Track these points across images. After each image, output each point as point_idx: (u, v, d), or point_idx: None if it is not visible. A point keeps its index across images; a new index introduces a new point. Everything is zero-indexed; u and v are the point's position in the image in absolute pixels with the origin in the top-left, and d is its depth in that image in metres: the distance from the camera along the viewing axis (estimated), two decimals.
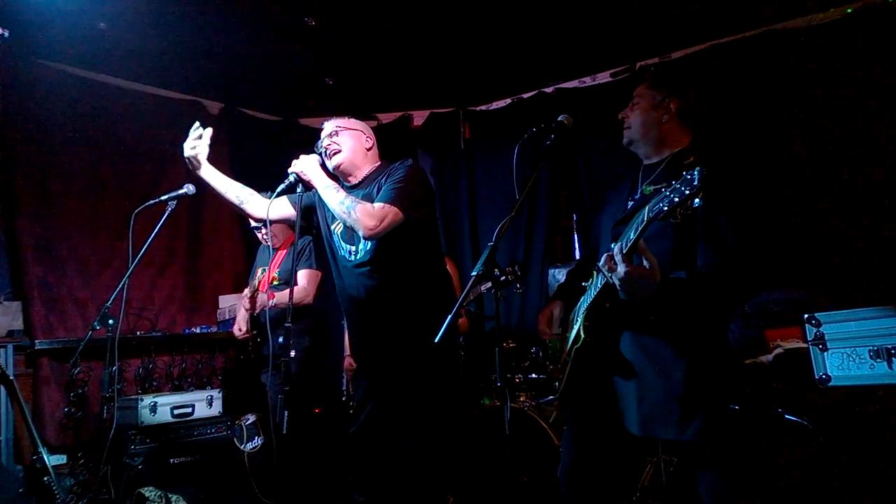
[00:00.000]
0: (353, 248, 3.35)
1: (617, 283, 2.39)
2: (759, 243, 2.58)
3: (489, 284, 4.43)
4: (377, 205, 3.12)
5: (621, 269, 2.35)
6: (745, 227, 2.53)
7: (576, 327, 2.72)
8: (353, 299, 3.39)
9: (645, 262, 2.34)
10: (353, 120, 3.53)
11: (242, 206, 3.47)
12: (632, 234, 2.34)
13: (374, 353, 3.37)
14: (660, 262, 2.37)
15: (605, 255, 2.42)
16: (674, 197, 2.17)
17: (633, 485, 3.94)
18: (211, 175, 3.43)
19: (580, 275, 2.93)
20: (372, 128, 3.61)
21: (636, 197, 2.78)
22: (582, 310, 2.71)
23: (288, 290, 4.38)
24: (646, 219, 2.27)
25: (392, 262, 3.24)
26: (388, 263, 3.24)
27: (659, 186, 2.61)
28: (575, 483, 2.82)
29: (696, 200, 2.12)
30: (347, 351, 4.95)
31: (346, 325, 3.53)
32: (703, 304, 2.51)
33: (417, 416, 3.34)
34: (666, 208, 2.19)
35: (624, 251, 2.36)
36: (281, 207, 3.50)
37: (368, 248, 3.26)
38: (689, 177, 2.14)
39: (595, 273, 2.65)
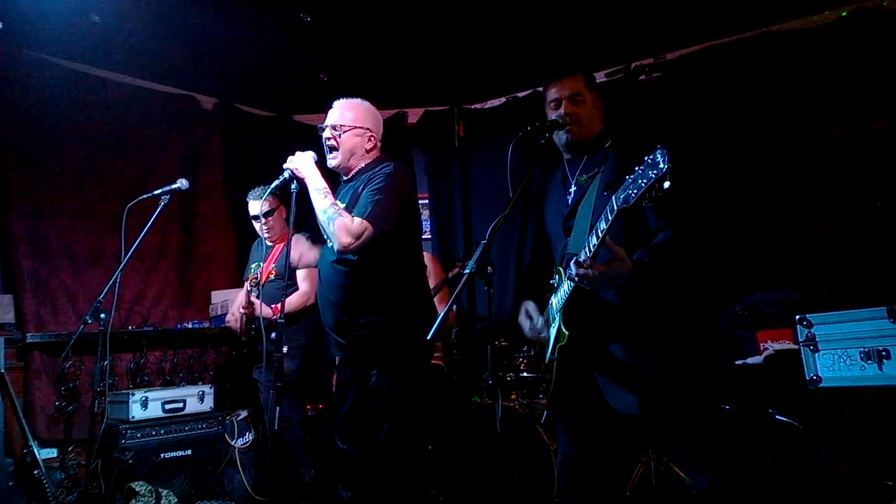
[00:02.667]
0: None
1: (592, 286, 2.50)
2: (696, 217, 2.74)
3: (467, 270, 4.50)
4: (356, 220, 3.16)
5: (593, 273, 2.43)
6: (684, 204, 2.67)
7: (555, 325, 2.74)
8: (327, 290, 3.42)
9: (615, 257, 2.43)
10: (363, 111, 3.50)
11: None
12: (598, 234, 2.41)
13: (349, 348, 3.38)
14: (612, 235, 2.44)
15: (573, 262, 2.50)
16: (641, 183, 2.17)
17: (622, 484, 3.96)
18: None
19: (536, 273, 3.10)
20: None
21: (572, 189, 2.92)
22: (558, 307, 2.75)
23: (293, 296, 4.43)
24: (616, 209, 2.30)
25: (369, 260, 3.26)
26: (364, 260, 3.27)
27: (592, 174, 2.78)
28: (574, 475, 2.88)
29: (666, 183, 2.11)
30: None
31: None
32: (668, 273, 2.63)
33: (388, 410, 3.35)
34: (634, 196, 2.20)
35: (590, 255, 2.44)
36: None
37: None
38: (652, 160, 2.14)
39: (563, 271, 2.72)
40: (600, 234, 2.40)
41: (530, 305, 2.96)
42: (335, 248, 3.18)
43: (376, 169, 3.36)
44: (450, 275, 5.35)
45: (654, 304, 2.69)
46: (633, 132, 2.88)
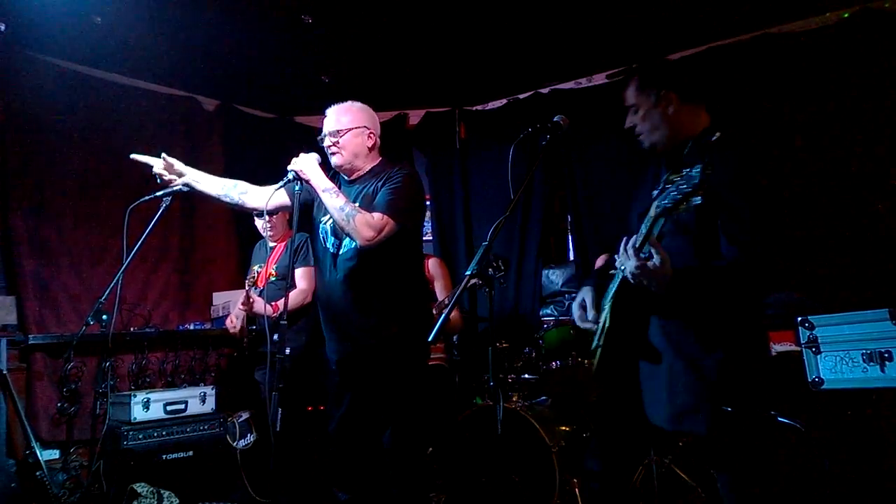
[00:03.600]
0: (338, 243, 3.37)
1: (629, 276, 2.44)
2: (779, 237, 2.60)
3: (476, 281, 4.49)
4: (376, 215, 3.15)
5: (631, 263, 2.39)
6: (765, 220, 2.51)
7: (604, 314, 2.72)
8: (330, 293, 3.41)
9: (655, 258, 2.35)
10: (358, 112, 3.50)
11: (243, 202, 3.51)
12: (643, 229, 2.38)
13: (348, 350, 3.38)
14: (680, 252, 2.43)
15: (621, 248, 2.45)
16: (676, 194, 2.20)
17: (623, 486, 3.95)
18: (202, 182, 3.54)
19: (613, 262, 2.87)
20: None
21: (659, 187, 2.68)
22: (609, 296, 2.71)
23: (292, 294, 4.42)
24: (653, 215, 2.32)
25: (373, 261, 3.26)
26: (370, 261, 3.26)
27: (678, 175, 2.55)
28: (603, 467, 2.88)
29: (697, 198, 2.14)
30: None
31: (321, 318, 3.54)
32: (718, 296, 2.52)
33: (391, 413, 3.36)
34: (669, 205, 2.23)
35: (636, 246, 2.39)
36: (278, 197, 3.46)
37: (353, 245, 3.28)
38: (690, 173, 2.17)
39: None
40: (642, 233, 2.38)
41: (588, 295, 2.89)
42: (358, 243, 3.17)
43: (394, 169, 3.38)
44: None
45: (710, 319, 2.56)
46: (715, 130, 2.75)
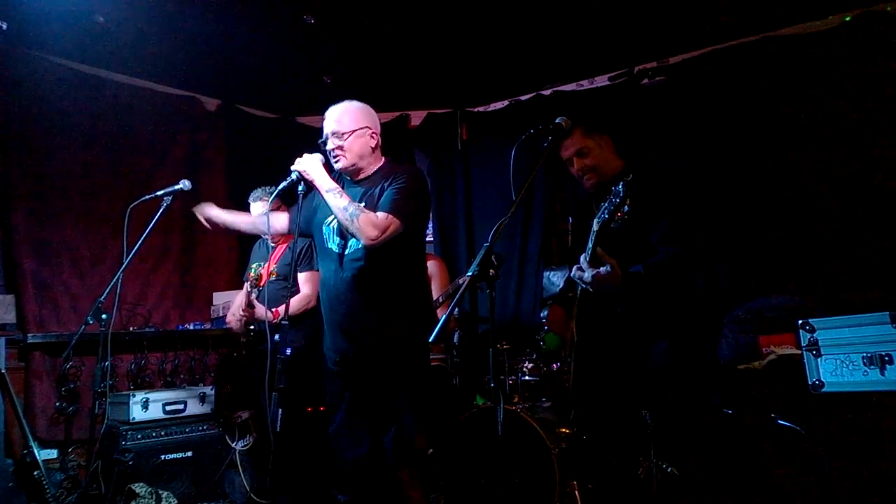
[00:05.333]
0: (343, 243, 3.37)
1: (588, 286, 3.09)
2: (696, 240, 3.47)
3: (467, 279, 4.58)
4: (380, 214, 3.15)
5: (587, 275, 3.07)
6: (684, 228, 3.22)
7: (572, 330, 2.94)
8: (333, 293, 3.41)
9: (605, 266, 3.02)
10: (359, 112, 3.48)
11: (259, 230, 3.76)
12: (590, 243, 3.04)
13: (351, 350, 3.37)
14: (622, 261, 3.07)
15: (575, 266, 3.16)
16: (610, 207, 2.91)
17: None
18: (222, 218, 3.72)
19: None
20: None
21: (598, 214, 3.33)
22: (573, 315, 3.21)
23: (295, 298, 4.41)
24: (595, 230, 2.98)
25: (378, 261, 3.26)
26: (376, 262, 3.26)
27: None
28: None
29: (625, 206, 2.97)
30: None
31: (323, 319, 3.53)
32: (659, 285, 3.14)
33: (392, 414, 3.35)
34: (607, 217, 2.93)
35: (587, 259, 3.08)
36: (279, 220, 3.67)
37: (357, 245, 3.27)
38: (617, 189, 2.88)
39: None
40: (589, 247, 3.04)
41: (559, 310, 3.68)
42: (362, 242, 3.17)
43: (399, 170, 3.39)
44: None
45: (650, 309, 3.19)
46: (656, 161, 3.50)
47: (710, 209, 4.99)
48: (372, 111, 3.56)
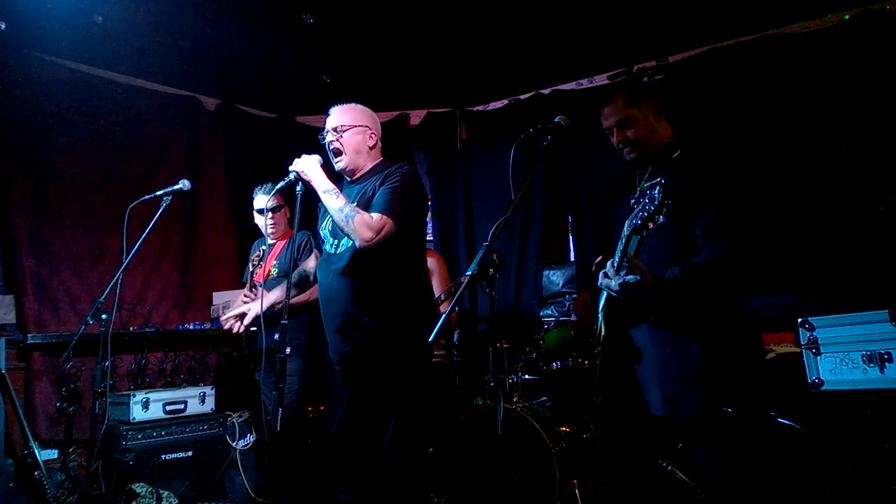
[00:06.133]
0: (336, 243, 3.39)
1: (614, 294, 2.68)
2: (752, 234, 2.87)
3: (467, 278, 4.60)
4: (374, 215, 3.17)
5: (614, 283, 2.65)
6: (736, 219, 2.70)
7: (599, 321, 2.85)
8: (328, 294, 3.43)
9: (632, 275, 2.61)
10: (359, 111, 3.54)
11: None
12: (619, 247, 2.61)
13: (348, 350, 3.37)
14: (661, 253, 2.72)
15: (601, 272, 2.75)
16: (643, 213, 2.44)
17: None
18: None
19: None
20: None
21: (635, 196, 2.97)
22: (601, 306, 2.92)
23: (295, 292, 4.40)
24: (626, 234, 2.55)
25: (372, 261, 3.26)
26: (368, 261, 3.27)
27: (655, 182, 2.74)
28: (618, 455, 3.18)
29: (660, 217, 2.42)
30: None
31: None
32: (698, 295, 2.70)
33: (392, 413, 3.36)
34: (639, 223, 2.46)
35: (615, 265, 2.66)
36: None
37: (350, 244, 3.28)
38: (653, 194, 2.41)
39: None
40: (618, 252, 2.62)
41: (587, 297, 3.27)
42: (357, 243, 3.18)
43: (392, 168, 3.40)
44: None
45: (694, 316, 2.76)
46: (705, 139, 3.02)
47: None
48: (373, 114, 3.62)
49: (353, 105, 3.57)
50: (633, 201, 2.89)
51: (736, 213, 2.71)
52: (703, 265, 2.65)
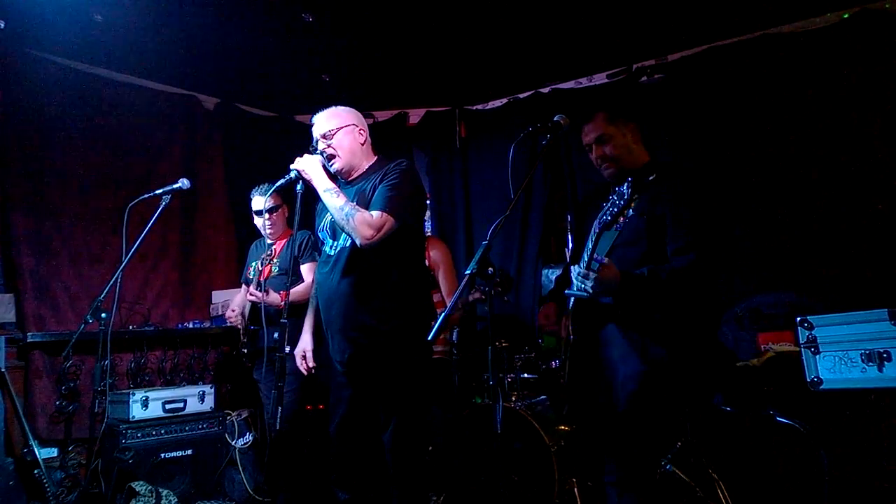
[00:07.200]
0: (335, 243, 3.38)
1: (585, 292, 2.81)
2: (716, 254, 3.06)
3: (476, 295, 4.60)
4: (374, 213, 3.16)
5: (588, 283, 2.78)
6: (704, 240, 2.92)
7: (570, 326, 2.89)
8: (327, 295, 3.42)
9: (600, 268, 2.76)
10: (342, 112, 3.53)
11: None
12: (588, 245, 2.78)
13: (349, 351, 3.37)
14: (632, 262, 2.90)
15: (574, 274, 2.87)
16: (613, 210, 2.64)
17: None
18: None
19: (567, 278, 3.27)
20: (368, 125, 3.61)
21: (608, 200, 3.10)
22: (569, 312, 3.03)
23: (300, 287, 4.41)
24: (596, 231, 2.72)
25: (371, 259, 3.26)
26: (367, 260, 3.26)
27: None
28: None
29: (630, 211, 2.64)
30: None
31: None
32: (662, 294, 2.89)
33: (392, 412, 3.36)
34: (609, 219, 2.65)
35: (585, 262, 2.78)
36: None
37: (348, 244, 3.28)
38: (621, 190, 2.63)
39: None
40: (589, 248, 2.76)
41: (551, 308, 3.36)
42: (358, 242, 3.18)
43: (390, 165, 3.39)
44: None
45: (647, 312, 2.96)
46: (679, 163, 3.18)
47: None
48: (355, 111, 3.61)
49: (334, 108, 3.56)
50: (603, 203, 2.97)
51: (703, 232, 2.93)
52: (670, 269, 2.87)
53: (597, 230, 2.71)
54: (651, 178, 2.94)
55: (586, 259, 2.75)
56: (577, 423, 3.45)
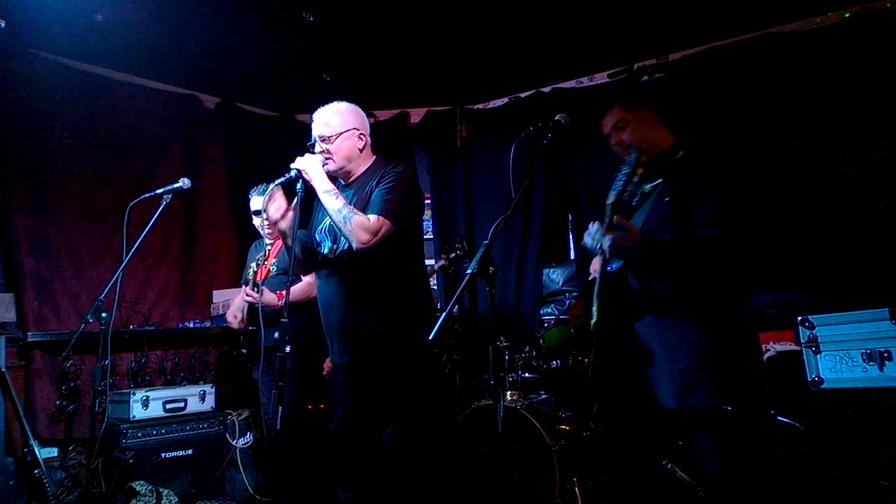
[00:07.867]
0: (333, 245, 3.37)
1: (606, 251, 2.72)
2: (743, 226, 2.95)
3: (442, 262, 5.06)
4: (372, 217, 3.14)
5: (605, 240, 2.70)
6: (726, 199, 2.82)
7: (594, 309, 2.83)
8: (326, 296, 3.41)
9: (619, 230, 2.67)
10: (344, 112, 3.45)
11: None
12: (607, 211, 2.69)
13: (350, 353, 3.36)
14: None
15: (588, 233, 2.79)
16: (622, 177, 2.67)
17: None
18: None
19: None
20: (369, 125, 3.57)
21: (637, 197, 3.03)
22: (595, 296, 2.85)
23: (297, 286, 4.40)
24: (612, 201, 2.68)
25: (370, 262, 3.24)
26: (366, 262, 3.24)
27: (656, 183, 2.92)
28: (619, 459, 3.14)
29: (636, 177, 2.68)
30: None
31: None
32: (685, 263, 2.80)
33: (392, 412, 3.36)
34: (621, 186, 2.66)
35: (605, 225, 2.70)
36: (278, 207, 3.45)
37: (347, 247, 3.27)
38: (629, 158, 2.69)
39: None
40: (608, 213, 2.67)
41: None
42: (353, 245, 3.16)
43: (387, 168, 3.35)
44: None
45: (696, 302, 2.81)
46: (706, 142, 3.11)
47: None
48: (359, 111, 3.52)
49: (338, 105, 3.47)
50: (635, 201, 2.96)
51: (731, 207, 2.82)
52: (695, 238, 2.76)
53: (611, 200, 2.68)
54: (678, 155, 2.94)
55: (606, 222, 2.69)
56: (609, 421, 3.26)
